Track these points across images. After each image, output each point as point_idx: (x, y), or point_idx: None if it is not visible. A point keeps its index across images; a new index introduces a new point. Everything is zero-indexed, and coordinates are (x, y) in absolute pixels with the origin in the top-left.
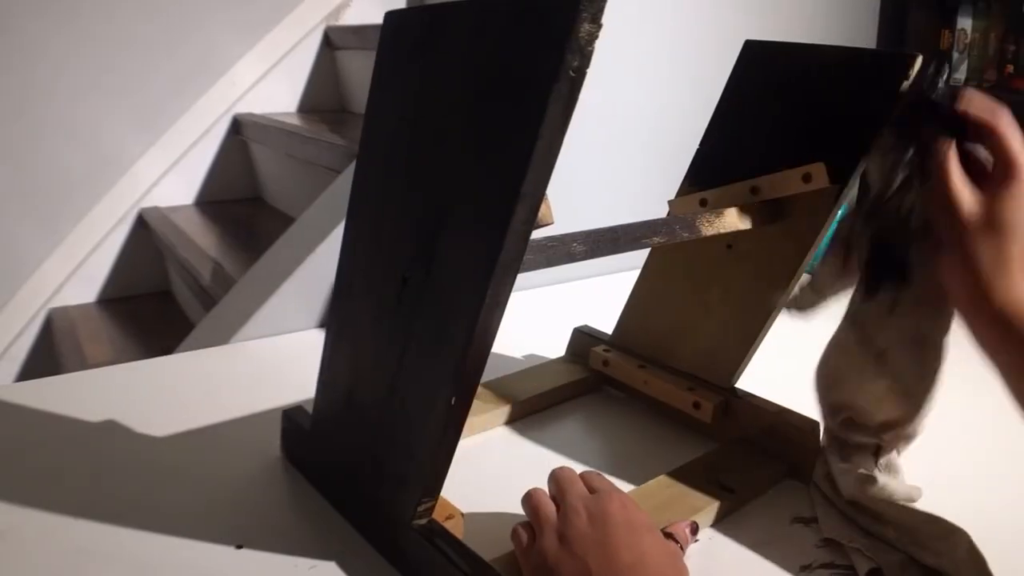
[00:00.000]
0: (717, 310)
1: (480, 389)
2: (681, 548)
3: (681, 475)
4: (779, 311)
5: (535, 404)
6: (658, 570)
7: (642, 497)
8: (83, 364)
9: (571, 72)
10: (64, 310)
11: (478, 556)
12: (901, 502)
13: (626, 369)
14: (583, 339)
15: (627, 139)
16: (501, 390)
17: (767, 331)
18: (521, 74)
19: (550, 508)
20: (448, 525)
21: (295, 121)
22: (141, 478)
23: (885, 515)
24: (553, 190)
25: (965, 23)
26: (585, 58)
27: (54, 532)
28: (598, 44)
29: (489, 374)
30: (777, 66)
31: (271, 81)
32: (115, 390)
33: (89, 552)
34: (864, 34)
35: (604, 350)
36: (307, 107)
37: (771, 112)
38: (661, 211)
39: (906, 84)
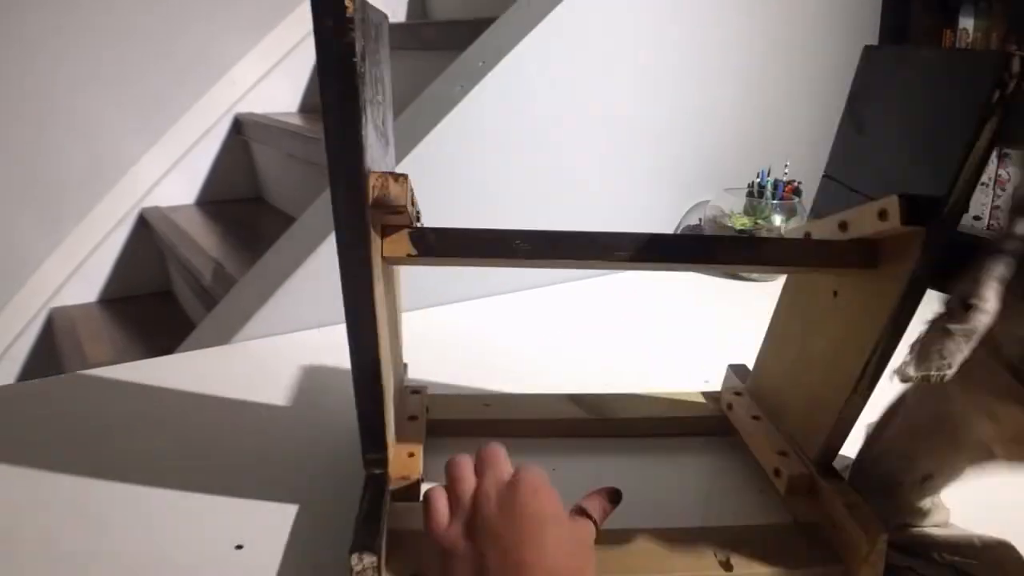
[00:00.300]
0: (819, 366)
1: (590, 398)
2: (596, 524)
3: (694, 535)
4: (871, 378)
5: (634, 428)
6: (556, 568)
7: (618, 541)
8: (84, 364)
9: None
10: (65, 310)
11: (378, 516)
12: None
13: (742, 417)
14: (730, 378)
15: (633, 147)
16: (607, 405)
17: (862, 401)
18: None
19: (467, 486)
20: (399, 483)
21: (296, 121)
22: (141, 478)
23: (928, 537)
24: (559, 195)
25: (967, 23)
26: (357, 34)
27: (54, 532)
28: (601, 50)
29: None
30: (890, 76)
31: (272, 81)
32: (116, 390)
33: (89, 552)
34: (866, 34)
35: (735, 393)
36: (308, 107)
37: (883, 131)
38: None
39: (997, 94)
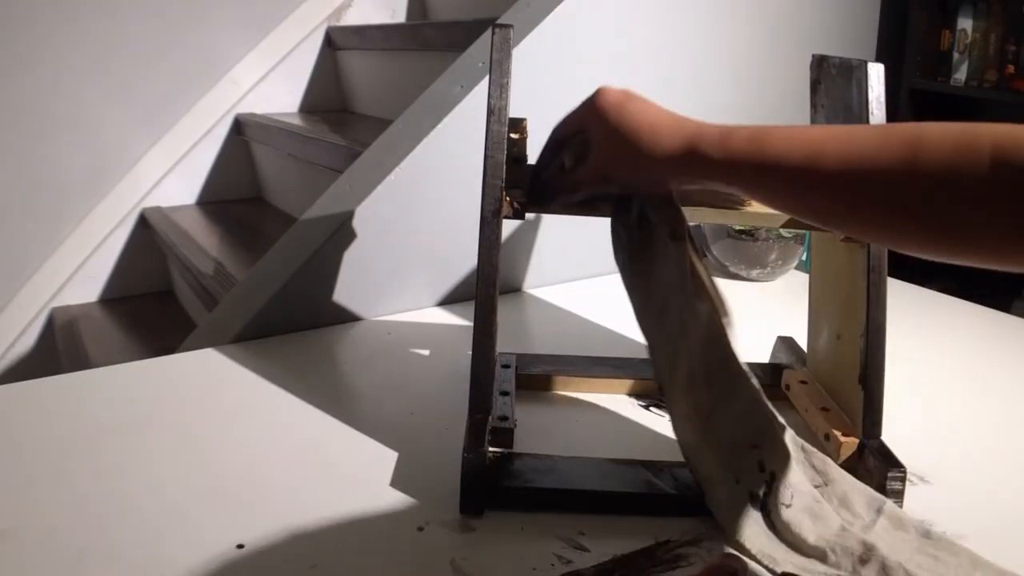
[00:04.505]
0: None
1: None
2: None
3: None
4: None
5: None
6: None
7: None
8: (85, 363)
9: None
10: (66, 309)
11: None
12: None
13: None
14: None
15: None
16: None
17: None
18: None
19: None
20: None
21: (297, 121)
22: (141, 478)
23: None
24: None
25: (965, 23)
26: None
27: (54, 532)
28: (601, 49)
29: None
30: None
31: (273, 81)
32: (116, 390)
33: (89, 552)
34: (864, 35)
35: (801, 381)
36: (308, 107)
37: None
38: None
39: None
